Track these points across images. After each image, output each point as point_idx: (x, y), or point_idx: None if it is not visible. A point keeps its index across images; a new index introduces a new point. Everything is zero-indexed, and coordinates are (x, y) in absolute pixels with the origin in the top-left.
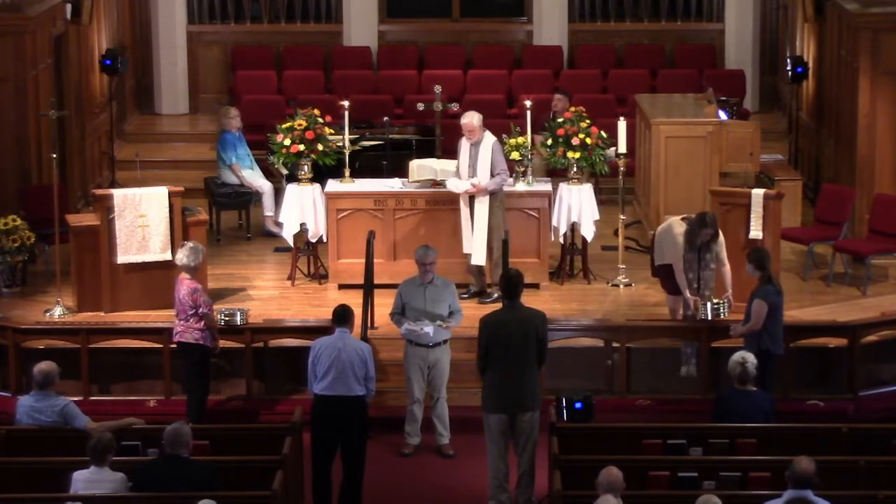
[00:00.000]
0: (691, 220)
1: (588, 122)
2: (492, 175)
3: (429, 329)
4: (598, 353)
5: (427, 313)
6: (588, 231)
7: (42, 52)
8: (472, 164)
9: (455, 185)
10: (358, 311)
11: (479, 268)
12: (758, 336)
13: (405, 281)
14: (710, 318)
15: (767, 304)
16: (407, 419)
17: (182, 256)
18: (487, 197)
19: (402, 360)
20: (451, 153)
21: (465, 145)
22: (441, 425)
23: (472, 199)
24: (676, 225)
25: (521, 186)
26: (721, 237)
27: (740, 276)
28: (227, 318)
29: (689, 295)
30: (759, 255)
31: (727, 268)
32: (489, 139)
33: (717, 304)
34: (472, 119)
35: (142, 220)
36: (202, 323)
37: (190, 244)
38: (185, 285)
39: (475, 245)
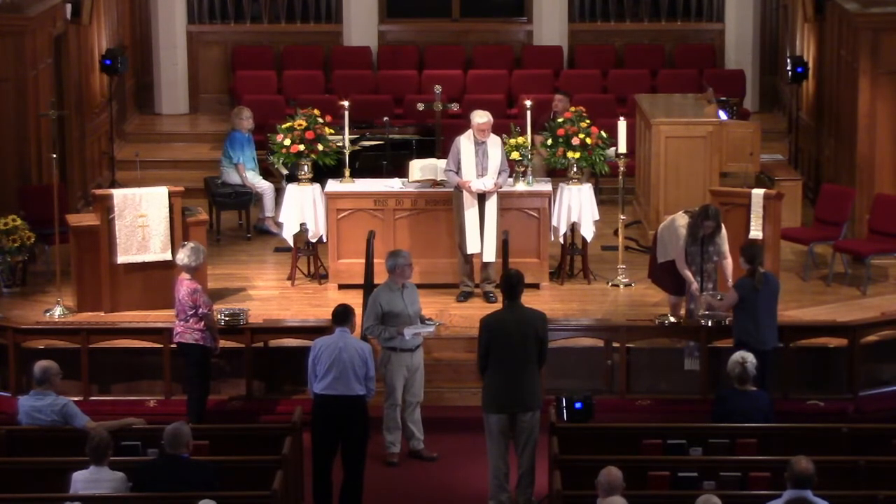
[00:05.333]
0: (694, 212)
1: (588, 122)
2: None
3: (431, 329)
4: (598, 353)
5: (410, 316)
6: (588, 231)
7: (42, 52)
8: (482, 163)
9: (481, 184)
10: (358, 311)
11: (472, 266)
12: (736, 326)
13: (380, 290)
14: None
15: (738, 295)
16: (389, 428)
17: (183, 256)
18: (495, 195)
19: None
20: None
21: (466, 144)
22: (417, 430)
23: (481, 197)
24: (679, 218)
25: (521, 186)
26: (724, 230)
27: (740, 273)
28: (227, 319)
29: (693, 282)
30: (750, 250)
31: (729, 260)
32: (495, 138)
33: (720, 315)
34: (489, 119)
35: (142, 220)
36: (202, 323)
37: (191, 244)
38: (184, 286)
39: (485, 243)
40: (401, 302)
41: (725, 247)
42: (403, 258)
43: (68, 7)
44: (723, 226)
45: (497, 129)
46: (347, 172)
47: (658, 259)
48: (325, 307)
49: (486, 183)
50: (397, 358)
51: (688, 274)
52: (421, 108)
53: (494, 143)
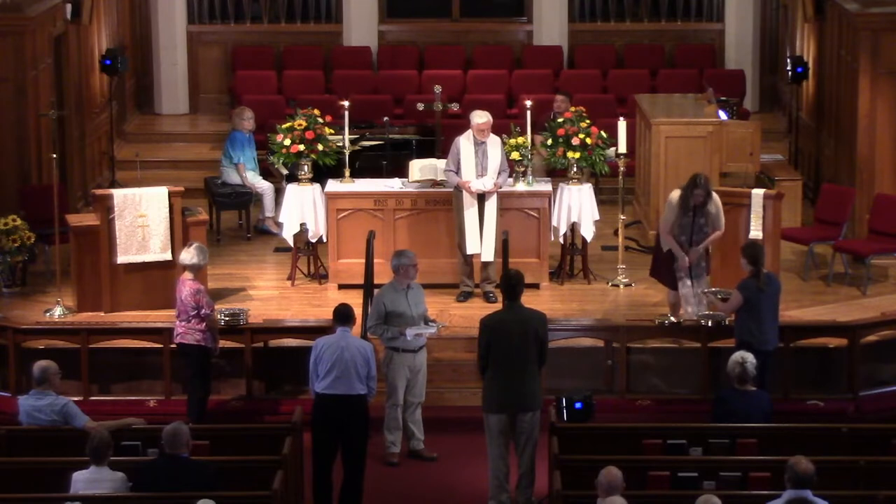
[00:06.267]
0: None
1: (588, 122)
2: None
3: (433, 330)
4: (598, 353)
5: (413, 318)
6: (588, 231)
7: (42, 52)
8: (482, 163)
9: (481, 185)
10: (358, 311)
11: (472, 266)
12: (738, 327)
13: (384, 289)
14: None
15: (742, 297)
16: (389, 428)
17: (187, 256)
18: (495, 195)
19: (384, 368)
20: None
21: (466, 144)
22: (418, 430)
23: (481, 197)
24: (674, 192)
25: (521, 186)
26: (717, 200)
27: (739, 273)
28: (227, 319)
29: (684, 256)
30: (752, 250)
31: (718, 232)
32: (494, 138)
33: (720, 316)
34: (489, 119)
35: (142, 220)
36: (204, 324)
37: (195, 244)
38: (187, 286)
39: (485, 243)
40: (404, 302)
41: (721, 220)
42: (408, 258)
43: (68, 7)
44: (715, 195)
45: (497, 129)
46: (347, 172)
47: (661, 250)
48: (325, 307)
49: (486, 183)
50: (399, 358)
51: (671, 240)
52: (421, 108)
53: (494, 144)
